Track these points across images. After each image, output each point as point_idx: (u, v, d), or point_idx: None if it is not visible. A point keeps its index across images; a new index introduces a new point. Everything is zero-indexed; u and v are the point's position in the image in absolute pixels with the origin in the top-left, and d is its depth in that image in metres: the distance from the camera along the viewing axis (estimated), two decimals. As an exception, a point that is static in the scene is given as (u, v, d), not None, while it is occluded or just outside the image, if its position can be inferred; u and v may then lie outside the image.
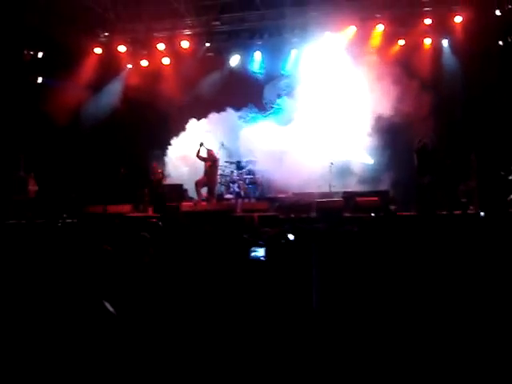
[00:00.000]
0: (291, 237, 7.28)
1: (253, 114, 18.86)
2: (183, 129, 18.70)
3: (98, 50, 18.45)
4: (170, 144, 18.63)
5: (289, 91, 18.69)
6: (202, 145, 15.91)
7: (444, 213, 13.14)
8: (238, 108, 18.80)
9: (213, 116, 18.65)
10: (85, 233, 8.74)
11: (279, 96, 19.12)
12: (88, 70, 18.16)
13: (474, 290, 4.90)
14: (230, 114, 18.69)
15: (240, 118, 18.71)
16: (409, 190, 15.07)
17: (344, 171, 16.65)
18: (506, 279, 4.93)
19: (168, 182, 17.23)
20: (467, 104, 16.24)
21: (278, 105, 18.84)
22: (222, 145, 16.35)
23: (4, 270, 5.60)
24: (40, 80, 17.88)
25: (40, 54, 17.74)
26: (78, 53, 17.88)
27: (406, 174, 15.47)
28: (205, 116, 18.68)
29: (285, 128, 17.69)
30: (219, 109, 18.69)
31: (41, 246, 6.76)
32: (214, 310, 4.68)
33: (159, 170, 16.97)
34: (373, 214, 12.74)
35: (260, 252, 6.15)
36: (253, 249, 6.25)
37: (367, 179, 16.52)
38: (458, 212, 13.26)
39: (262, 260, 6.01)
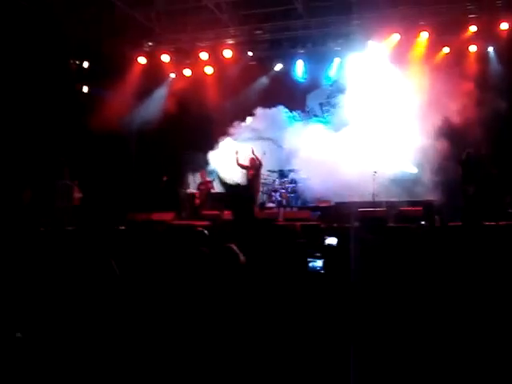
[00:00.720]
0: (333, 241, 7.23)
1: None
2: (227, 134, 18.78)
3: (142, 60, 18.68)
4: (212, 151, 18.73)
5: (331, 101, 18.67)
6: (237, 153, 15.90)
7: (490, 223, 12.89)
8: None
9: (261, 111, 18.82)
10: (133, 240, 8.83)
11: (321, 105, 19.16)
12: (132, 79, 18.41)
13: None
14: (278, 110, 18.84)
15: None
16: (455, 201, 14.85)
17: (388, 180, 16.47)
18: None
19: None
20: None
21: (320, 115, 18.86)
22: (264, 153, 16.31)
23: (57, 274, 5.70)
24: (86, 89, 18.14)
25: (86, 64, 18.03)
26: (123, 62, 18.14)
27: (452, 184, 15.25)
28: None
29: (328, 136, 17.57)
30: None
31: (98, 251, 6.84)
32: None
33: (207, 179, 17.14)
34: (423, 222, 12.55)
35: (318, 263, 6.12)
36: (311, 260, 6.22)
37: (412, 189, 16.30)
38: (503, 223, 12.98)
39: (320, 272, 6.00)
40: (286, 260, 6.22)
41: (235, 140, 18.32)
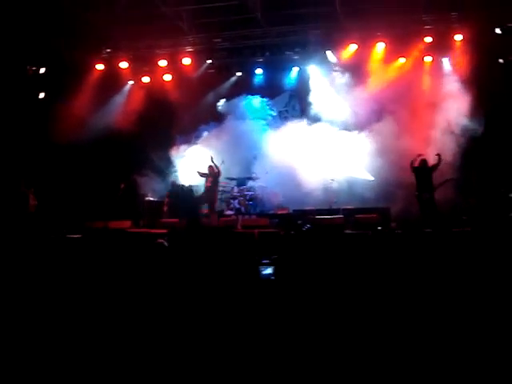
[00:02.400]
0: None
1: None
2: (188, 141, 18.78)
3: (99, 66, 18.50)
4: (171, 160, 18.70)
5: (289, 109, 18.85)
6: (212, 159, 15.94)
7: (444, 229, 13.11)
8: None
9: (216, 129, 18.79)
10: (90, 248, 8.75)
11: (280, 113, 19.34)
12: (90, 86, 18.22)
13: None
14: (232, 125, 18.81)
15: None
16: (409, 207, 15.12)
17: (344, 188, 16.67)
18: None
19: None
20: (468, 121, 16.27)
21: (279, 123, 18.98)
22: (223, 162, 16.32)
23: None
24: (42, 95, 17.91)
25: (42, 70, 17.81)
26: (80, 69, 17.94)
27: (406, 190, 15.53)
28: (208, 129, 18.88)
29: (285, 144, 17.68)
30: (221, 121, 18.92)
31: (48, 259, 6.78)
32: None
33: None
34: (379, 228, 12.71)
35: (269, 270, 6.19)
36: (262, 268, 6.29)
37: (368, 196, 16.52)
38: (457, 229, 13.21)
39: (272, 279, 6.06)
40: (239, 267, 6.27)
41: (196, 146, 18.38)
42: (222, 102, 19.46)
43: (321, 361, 4.31)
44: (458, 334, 4.60)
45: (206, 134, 18.96)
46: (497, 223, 12.85)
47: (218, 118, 19.14)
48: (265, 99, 19.62)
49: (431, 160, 14.57)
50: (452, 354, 4.34)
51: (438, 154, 14.44)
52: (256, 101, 19.55)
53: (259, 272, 6.23)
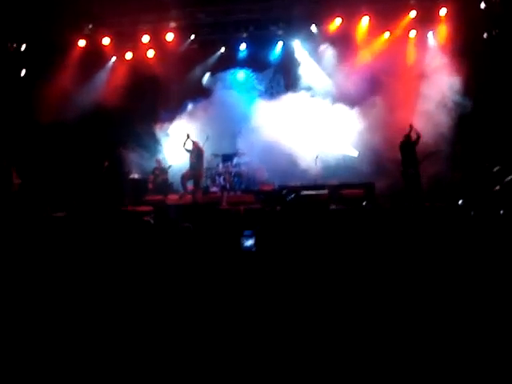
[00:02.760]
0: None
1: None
2: (171, 120, 18.66)
3: (82, 43, 18.25)
4: (157, 136, 18.60)
5: (274, 84, 18.76)
6: (188, 137, 15.87)
7: (428, 204, 13.22)
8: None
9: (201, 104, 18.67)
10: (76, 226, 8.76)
11: (266, 88, 19.26)
12: (72, 62, 17.99)
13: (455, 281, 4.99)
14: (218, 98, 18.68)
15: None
16: (394, 182, 15.19)
17: (330, 163, 16.67)
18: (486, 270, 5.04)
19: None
20: (454, 95, 16.29)
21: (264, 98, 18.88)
22: (207, 138, 16.25)
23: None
24: (23, 73, 17.70)
25: (23, 47, 17.57)
26: (63, 45, 17.71)
27: (391, 165, 15.59)
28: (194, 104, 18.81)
29: (271, 119, 17.60)
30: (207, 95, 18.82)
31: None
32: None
33: (163, 165, 17.14)
34: (364, 203, 12.81)
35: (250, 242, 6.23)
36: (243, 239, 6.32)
37: (352, 172, 16.56)
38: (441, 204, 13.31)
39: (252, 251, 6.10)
40: (221, 239, 6.31)
41: (181, 121, 18.31)
42: (207, 77, 19.33)
43: (300, 333, 4.35)
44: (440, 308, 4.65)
45: (190, 106, 18.80)
46: (480, 197, 12.97)
47: (203, 93, 18.95)
48: (251, 73, 19.49)
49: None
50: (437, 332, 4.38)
51: (410, 125, 14.52)
52: (241, 75, 19.44)
53: (241, 244, 6.27)
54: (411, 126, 14.51)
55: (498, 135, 15.42)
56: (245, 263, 5.67)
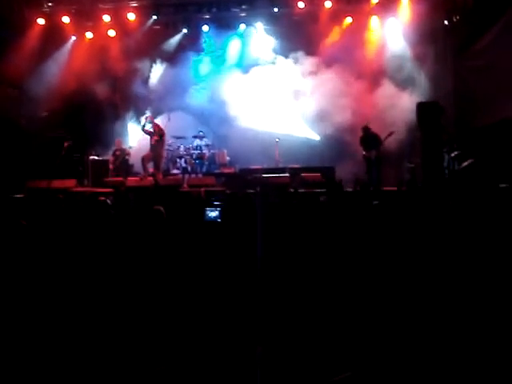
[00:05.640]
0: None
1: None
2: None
3: (41, 21, 17.85)
4: (117, 118, 18.43)
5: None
6: (147, 118, 15.79)
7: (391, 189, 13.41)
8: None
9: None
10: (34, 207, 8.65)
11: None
12: (31, 41, 17.57)
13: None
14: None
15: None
16: (354, 167, 15.40)
17: (291, 147, 16.77)
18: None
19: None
20: (413, 82, 16.51)
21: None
22: (169, 119, 16.20)
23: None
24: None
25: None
26: (21, 23, 17.28)
27: (351, 149, 15.81)
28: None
29: (232, 102, 17.60)
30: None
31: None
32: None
33: (124, 147, 16.98)
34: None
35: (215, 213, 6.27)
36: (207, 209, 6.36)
37: (313, 155, 16.71)
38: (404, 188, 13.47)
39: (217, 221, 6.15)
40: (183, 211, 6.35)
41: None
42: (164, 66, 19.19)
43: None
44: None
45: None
46: (436, 183, 13.24)
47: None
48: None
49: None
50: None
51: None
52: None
53: (204, 214, 6.32)
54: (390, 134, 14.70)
55: (458, 122, 15.77)
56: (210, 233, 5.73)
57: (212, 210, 6.39)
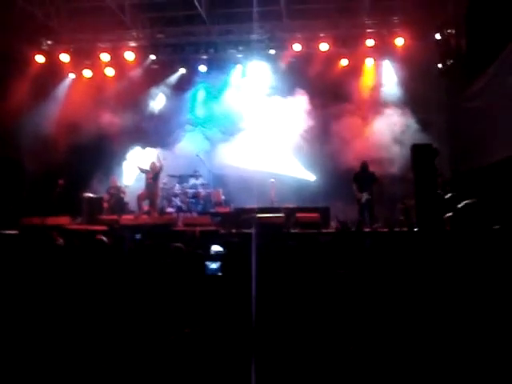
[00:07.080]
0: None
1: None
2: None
3: (40, 59, 18.03)
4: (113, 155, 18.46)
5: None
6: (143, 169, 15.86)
7: (383, 230, 13.39)
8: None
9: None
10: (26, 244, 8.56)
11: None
12: (29, 78, 17.69)
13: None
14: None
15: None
16: (349, 207, 15.38)
17: (286, 187, 16.79)
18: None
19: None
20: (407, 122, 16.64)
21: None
22: (163, 158, 16.24)
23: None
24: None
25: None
26: (20, 60, 17.40)
27: (346, 191, 15.81)
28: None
29: (228, 143, 17.69)
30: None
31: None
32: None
33: (119, 185, 16.94)
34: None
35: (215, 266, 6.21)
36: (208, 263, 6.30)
37: (309, 196, 16.72)
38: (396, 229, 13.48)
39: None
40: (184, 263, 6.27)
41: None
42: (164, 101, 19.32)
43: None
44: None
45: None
46: (432, 223, 13.20)
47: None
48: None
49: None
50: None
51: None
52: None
53: (205, 267, 6.25)
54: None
55: (453, 163, 15.84)
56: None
57: (212, 262, 6.34)
